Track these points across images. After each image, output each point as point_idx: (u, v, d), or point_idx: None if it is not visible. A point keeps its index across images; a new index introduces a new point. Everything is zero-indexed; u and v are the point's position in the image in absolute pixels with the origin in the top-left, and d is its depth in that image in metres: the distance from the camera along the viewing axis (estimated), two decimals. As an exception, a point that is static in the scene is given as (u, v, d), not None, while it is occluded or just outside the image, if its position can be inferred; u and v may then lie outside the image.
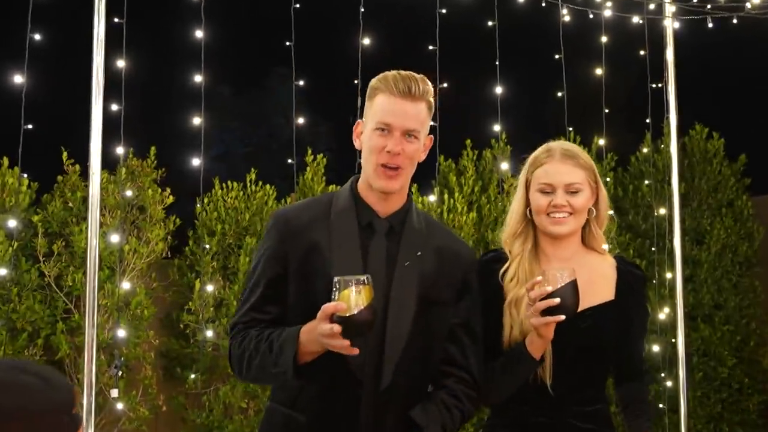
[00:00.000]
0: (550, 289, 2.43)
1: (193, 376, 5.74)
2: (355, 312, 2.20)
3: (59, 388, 1.58)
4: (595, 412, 2.71)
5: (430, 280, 2.48)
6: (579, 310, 2.53)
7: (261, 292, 2.49)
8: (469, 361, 2.53)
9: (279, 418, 2.51)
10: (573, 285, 2.44)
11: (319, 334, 2.24)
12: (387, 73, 2.51)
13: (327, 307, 2.22)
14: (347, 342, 2.22)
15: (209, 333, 5.54)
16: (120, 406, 5.00)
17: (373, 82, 2.53)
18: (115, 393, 4.82)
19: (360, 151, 2.52)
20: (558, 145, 2.76)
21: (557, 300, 2.41)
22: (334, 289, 2.24)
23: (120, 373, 4.85)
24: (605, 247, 2.88)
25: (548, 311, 2.42)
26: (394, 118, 2.44)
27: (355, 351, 2.24)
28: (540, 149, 2.75)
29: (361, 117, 2.55)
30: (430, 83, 2.51)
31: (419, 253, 2.48)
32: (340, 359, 2.34)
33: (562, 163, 2.69)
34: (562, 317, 2.43)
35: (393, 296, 2.43)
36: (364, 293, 2.21)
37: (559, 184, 2.67)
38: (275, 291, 2.47)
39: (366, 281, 2.22)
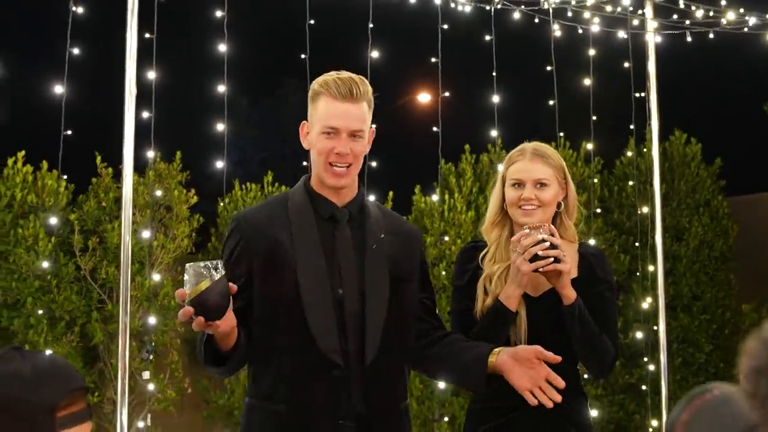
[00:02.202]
0: (540, 236, 2.57)
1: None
2: (197, 295, 2.12)
3: (45, 389, 1.54)
4: (568, 383, 2.68)
5: (396, 260, 2.49)
6: (543, 291, 2.68)
7: None
8: (441, 323, 2.64)
9: (258, 412, 2.43)
10: (552, 234, 2.60)
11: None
12: (327, 77, 2.46)
13: (177, 293, 2.18)
14: (200, 320, 2.13)
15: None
16: (151, 387, 5.09)
17: (315, 86, 2.47)
18: (146, 375, 4.92)
19: (308, 151, 2.48)
20: (530, 145, 2.84)
21: (547, 243, 2.55)
22: (185, 276, 2.17)
23: (151, 357, 4.94)
24: (592, 242, 2.98)
25: (535, 258, 2.56)
26: (338, 120, 2.40)
27: (217, 326, 2.16)
28: (515, 149, 2.85)
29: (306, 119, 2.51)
30: (368, 83, 2.48)
31: (382, 236, 2.49)
32: (308, 346, 2.32)
33: (531, 161, 2.78)
34: (551, 260, 2.56)
35: (368, 278, 2.42)
36: (207, 278, 2.13)
37: (528, 180, 2.75)
38: (242, 287, 2.34)
39: (210, 266, 2.15)
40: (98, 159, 5.71)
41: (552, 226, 2.67)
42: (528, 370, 2.46)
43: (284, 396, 2.36)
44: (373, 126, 2.54)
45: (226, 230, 2.54)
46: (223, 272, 2.15)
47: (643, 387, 6.11)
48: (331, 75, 2.47)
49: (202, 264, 2.15)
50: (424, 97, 8.35)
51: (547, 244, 2.57)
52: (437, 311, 2.72)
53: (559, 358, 2.47)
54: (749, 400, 0.80)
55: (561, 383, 2.45)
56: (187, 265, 2.15)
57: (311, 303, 2.34)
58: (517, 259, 2.60)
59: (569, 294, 2.64)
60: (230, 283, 2.18)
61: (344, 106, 2.41)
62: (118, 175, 5.75)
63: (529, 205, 2.76)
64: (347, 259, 2.41)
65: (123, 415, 4.26)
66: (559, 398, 2.47)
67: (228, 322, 2.19)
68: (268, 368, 2.37)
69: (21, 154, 5.43)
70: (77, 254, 5.46)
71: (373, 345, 2.37)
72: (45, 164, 5.50)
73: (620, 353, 2.86)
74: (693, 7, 5.58)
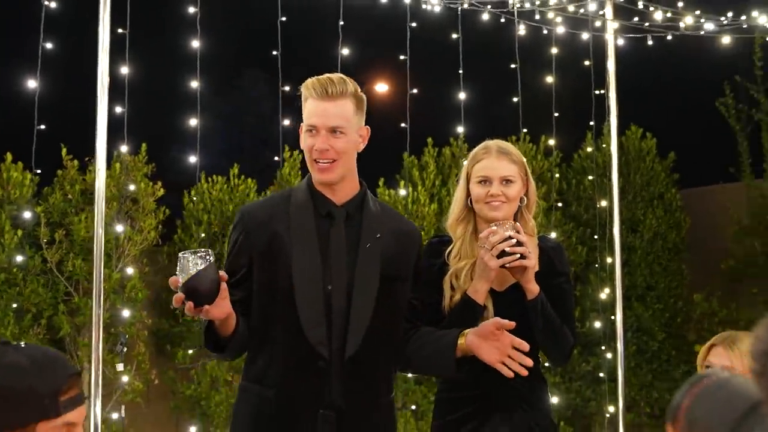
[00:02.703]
0: (507, 233, 2.64)
1: (182, 352, 5.84)
2: (187, 281, 2.22)
3: (48, 375, 1.61)
4: (531, 373, 2.77)
5: (390, 259, 2.54)
6: (509, 285, 2.76)
7: (231, 277, 2.47)
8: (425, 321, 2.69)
9: (251, 395, 2.53)
10: (517, 231, 2.66)
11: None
12: (311, 79, 2.54)
13: (170, 281, 2.27)
14: (190, 305, 2.23)
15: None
16: (125, 378, 5.08)
17: (302, 87, 2.55)
18: (120, 367, 4.90)
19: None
20: (494, 143, 2.90)
21: (514, 240, 2.62)
22: (178, 265, 2.26)
23: (124, 349, 4.92)
24: (553, 235, 3.07)
25: (502, 254, 2.63)
26: (317, 119, 2.48)
27: (208, 311, 2.25)
28: (479, 147, 2.89)
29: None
30: (351, 82, 2.54)
31: (378, 236, 2.54)
32: (299, 336, 2.41)
33: (497, 159, 2.83)
34: (518, 256, 2.62)
35: (357, 276, 2.48)
36: (198, 266, 2.22)
37: (495, 177, 2.81)
38: (242, 277, 2.50)
39: (201, 255, 2.24)
40: (63, 151, 5.64)
41: (517, 224, 2.73)
42: (494, 342, 2.55)
43: (273, 382, 2.45)
44: (367, 126, 2.59)
45: (232, 223, 2.65)
46: (213, 260, 2.23)
47: (601, 374, 6.25)
48: (313, 77, 2.54)
49: (193, 252, 2.23)
50: (387, 93, 8.38)
51: (514, 241, 2.64)
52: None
53: (512, 324, 2.54)
54: (758, 379, 0.86)
55: (525, 346, 2.55)
56: (180, 254, 2.24)
57: (302, 296, 2.43)
58: (485, 255, 2.67)
59: (533, 288, 2.73)
60: (220, 271, 2.28)
61: (323, 104, 2.49)
62: (83, 168, 5.71)
63: (496, 201, 2.82)
64: (339, 256, 2.49)
65: (96, 407, 4.26)
66: (530, 362, 2.56)
67: (220, 308, 2.29)
68: (262, 355, 2.48)
69: (-15, 146, 5.35)
70: (44, 247, 5.40)
71: (355, 341, 2.44)
72: (9, 156, 5.43)
73: (578, 342, 2.95)
74: (651, 8, 5.70)
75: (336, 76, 2.55)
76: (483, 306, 2.75)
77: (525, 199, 2.91)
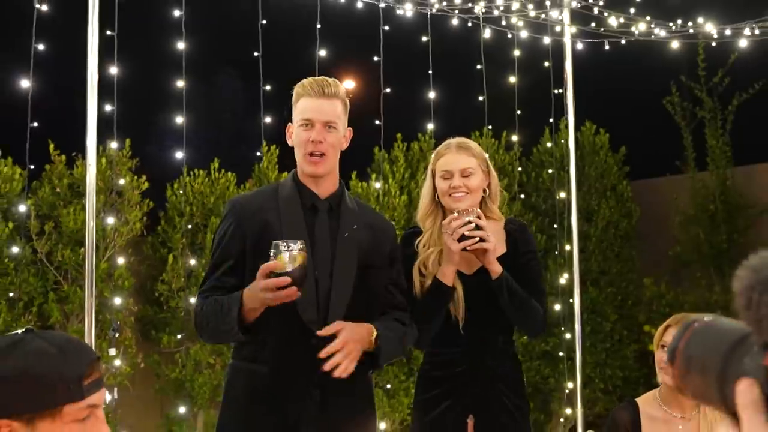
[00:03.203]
0: (468, 219, 2.83)
1: (167, 337, 5.97)
2: (289, 269, 2.36)
3: (72, 361, 1.64)
4: (505, 353, 3.04)
5: (366, 249, 2.69)
6: (476, 268, 2.94)
7: (223, 266, 2.63)
8: (402, 303, 2.81)
9: (243, 373, 2.63)
10: (479, 217, 2.87)
11: (259, 289, 2.38)
12: (305, 80, 2.71)
13: (265, 266, 2.37)
14: (283, 293, 2.36)
15: (192, 300, 5.77)
16: (117, 362, 5.21)
17: (296, 89, 2.72)
18: (113, 351, 5.04)
19: (293, 148, 2.74)
20: (455, 140, 3.09)
21: (473, 225, 2.81)
22: (272, 251, 2.38)
23: (117, 335, 5.06)
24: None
25: (463, 238, 2.82)
26: (313, 113, 2.65)
27: (293, 297, 2.38)
28: (441, 145, 3.11)
29: (291, 121, 2.75)
30: (342, 86, 2.72)
31: (355, 227, 2.69)
32: (294, 316, 2.53)
33: (457, 153, 3.02)
34: (477, 239, 2.81)
35: (337, 261, 2.63)
36: (297, 255, 2.37)
37: (456, 170, 3.00)
38: (234, 265, 2.61)
39: (299, 245, 2.38)
40: (51, 147, 5.74)
41: (479, 210, 2.92)
42: None
43: (268, 359, 2.58)
44: (350, 128, 2.78)
45: (223, 212, 2.78)
46: (302, 248, 2.39)
47: (560, 353, 6.52)
48: (309, 78, 2.74)
49: (285, 242, 2.39)
50: (360, 91, 8.56)
51: (473, 225, 2.83)
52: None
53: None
54: (744, 311, 0.91)
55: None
56: (274, 242, 2.38)
57: None
58: (448, 239, 2.85)
59: (495, 269, 2.90)
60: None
61: (318, 101, 2.67)
62: (70, 162, 5.81)
63: (458, 193, 3.01)
64: (322, 244, 2.65)
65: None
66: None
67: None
68: (254, 335, 2.56)
69: (-24, 142, 5.43)
70: (34, 238, 5.50)
71: (334, 319, 2.59)
72: (-1, 152, 5.51)
73: (547, 310, 3.15)
74: (606, 14, 5.98)
75: (330, 78, 2.74)
76: (452, 287, 2.93)
77: (488, 190, 3.13)
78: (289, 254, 2.36)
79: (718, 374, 0.93)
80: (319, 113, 2.66)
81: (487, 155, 3.16)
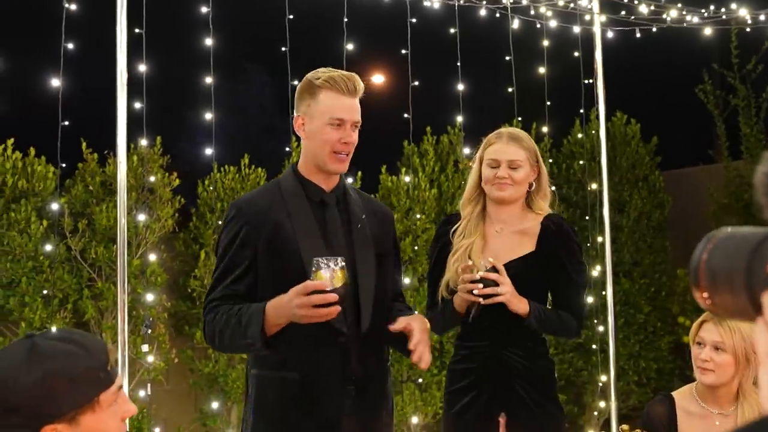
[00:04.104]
0: (477, 276, 2.79)
1: (199, 332, 5.97)
2: (332, 287, 2.29)
3: (95, 352, 1.71)
4: (532, 348, 2.97)
5: (377, 238, 2.66)
6: (503, 263, 2.88)
7: (232, 273, 2.53)
8: (401, 291, 2.85)
9: (272, 382, 2.53)
10: (493, 270, 2.81)
11: (295, 305, 2.31)
12: (329, 73, 2.58)
13: (309, 284, 2.29)
14: (323, 311, 2.30)
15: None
16: (151, 358, 5.21)
17: (316, 81, 2.56)
18: (145, 348, 5.04)
19: (300, 140, 2.66)
20: (506, 130, 3.07)
21: (481, 285, 2.78)
22: (313, 268, 2.30)
23: (149, 331, 5.06)
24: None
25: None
26: (346, 113, 2.55)
27: (334, 315, 2.32)
28: (493, 133, 3.06)
29: (298, 111, 2.62)
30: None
31: (364, 217, 2.65)
32: None
33: (507, 144, 2.98)
34: (481, 300, 2.79)
35: (357, 255, 2.57)
36: (339, 273, 2.31)
37: (503, 160, 2.96)
38: (246, 270, 2.52)
39: (339, 263, 2.32)
40: (83, 145, 5.75)
41: (491, 260, 2.84)
42: None
43: (297, 364, 2.50)
44: None
45: (225, 217, 2.66)
46: (344, 266, 2.33)
47: (593, 346, 6.41)
48: (331, 72, 2.62)
49: (326, 258, 2.33)
50: (388, 85, 8.50)
51: (481, 285, 2.78)
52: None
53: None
54: (765, 198, 0.87)
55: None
56: (315, 259, 2.33)
57: None
58: (462, 293, 2.85)
59: (521, 310, 2.84)
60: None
61: (349, 100, 2.58)
62: (102, 160, 5.82)
63: (503, 183, 2.96)
64: (337, 238, 2.59)
65: (125, 386, 4.40)
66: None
67: None
68: (277, 341, 2.46)
69: (10, 141, 5.45)
70: (67, 236, 5.52)
71: (367, 313, 2.56)
72: (32, 151, 5.54)
73: (583, 317, 3.07)
74: (636, 2, 5.85)
75: (353, 74, 2.64)
76: (465, 315, 2.92)
77: (534, 184, 3.06)
78: (332, 272, 2.30)
79: (746, 279, 0.86)
80: (351, 113, 2.59)
81: (537, 148, 3.08)
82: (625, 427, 2.99)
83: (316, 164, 2.62)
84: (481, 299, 2.80)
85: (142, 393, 5.16)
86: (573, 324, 2.96)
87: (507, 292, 2.82)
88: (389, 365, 2.76)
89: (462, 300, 2.89)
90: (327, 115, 2.57)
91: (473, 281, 2.80)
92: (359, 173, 6.42)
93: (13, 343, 1.75)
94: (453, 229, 3.06)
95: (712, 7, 6.13)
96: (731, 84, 7.85)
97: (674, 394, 3.11)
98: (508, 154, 2.96)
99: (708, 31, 6.18)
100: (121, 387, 1.76)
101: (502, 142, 3.01)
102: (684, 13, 5.98)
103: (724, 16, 6.16)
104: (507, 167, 2.96)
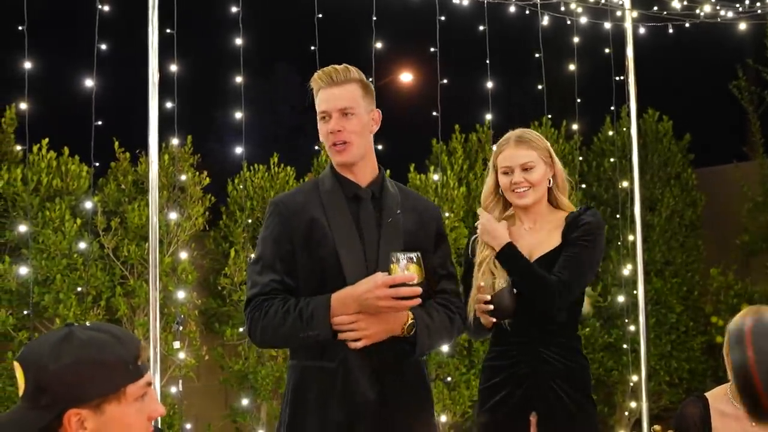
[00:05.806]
0: (488, 297, 2.85)
1: (230, 330, 6.00)
2: (417, 281, 2.42)
3: (127, 344, 1.77)
4: (564, 346, 2.95)
5: (412, 233, 2.65)
6: (534, 259, 2.89)
7: (277, 267, 2.57)
8: (450, 288, 2.78)
9: (310, 372, 2.60)
10: (508, 290, 2.85)
11: (375, 297, 2.42)
12: (316, 72, 2.65)
13: (397, 277, 2.41)
14: (405, 303, 2.43)
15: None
16: (182, 355, 5.25)
17: (311, 82, 2.66)
18: (177, 344, 5.07)
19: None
20: (514, 133, 3.02)
21: (491, 306, 2.86)
22: (391, 261, 2.42)
23: (181, 328, 5.09)
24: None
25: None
26: (326, 104, 2.60)
27: (406, 308, 2.48)
28: (502, 138, 3.03)
29: None
30: (355, 70, 2.65)
31: (398, 212, 2.65)
32: None
33: (516, 148, 2.95)
34: (494, 320, 2.90)
35: (382, 249, 2.58)
36: (418, 267, 2.43)
37: (516, 165, 2.93)
38: (288, 265, 2.57)
39: (416, 258, 2.43)
40: (116, 144, 5.81)
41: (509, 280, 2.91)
42: None
43: (335, 355, 2.55)
44: (378, 109, 2.69)
45: (265, 215, 2.71)
46: (420, 260, 2.49)
47: (624, 346, 6.35)
48: (320, 70, 2.67)
49: (404, 252, 2.46)
50: (416, 83, 8.48)
51: (491, 307, 2.88)
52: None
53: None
54: None
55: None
56: (393, 253, 2.46)
57: (352, 274, 2.55)
58: (479, 314, 2.93)
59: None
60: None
61: (329, 90, 2.61)
62: (134, 159, 5.87)
63: (520, 188, 2.95)
64: (370, 233, 2.60)
65: (156, 382, 4.43)
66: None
67: None
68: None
69: (45, 141, 5.52)
70: (100, 234, 5.57)
71: None
72: (66, 150, 5.60)
73: (565, 289, 2.94)
74: (669, -3, 5.77)
75: (340, 65, 2.65)
76: (490, 328, 3.02)
77: (552, 180, 3.03)
78: (412, 265, 2.40)
79: None
80: (332, 102, 2.60)
81: (549, 144, 3.04)
82: (657, 427, 2.95)
83: (333, 161, 2.70)
84: (493, 318, 2.88)
85: (173, 389, 5.20)
86: (549, 281, 2.85)
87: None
88: (424, 358, 2.77)
89: (485, 319, 2.94)
90: (318, 113, 2.65)
91: (483, 302, 2.90)
92: (387, 171, 6.38)
93: (52, 331, 1.82)
94: (473, 238, 3.06)
95: (746, 2, 6.03)
96: (766, 79, 7.72)
97: (708, 394, 3.05)
98: (519, 158, 2.95)
99: (742, 25, 6.08)
100: (150, 384, 1.79)
101: (510, 147, 2.99)
102: (718, 7, 5.89)
103: (759, 11, 6.06)
104: (521, 171, 2.94)
